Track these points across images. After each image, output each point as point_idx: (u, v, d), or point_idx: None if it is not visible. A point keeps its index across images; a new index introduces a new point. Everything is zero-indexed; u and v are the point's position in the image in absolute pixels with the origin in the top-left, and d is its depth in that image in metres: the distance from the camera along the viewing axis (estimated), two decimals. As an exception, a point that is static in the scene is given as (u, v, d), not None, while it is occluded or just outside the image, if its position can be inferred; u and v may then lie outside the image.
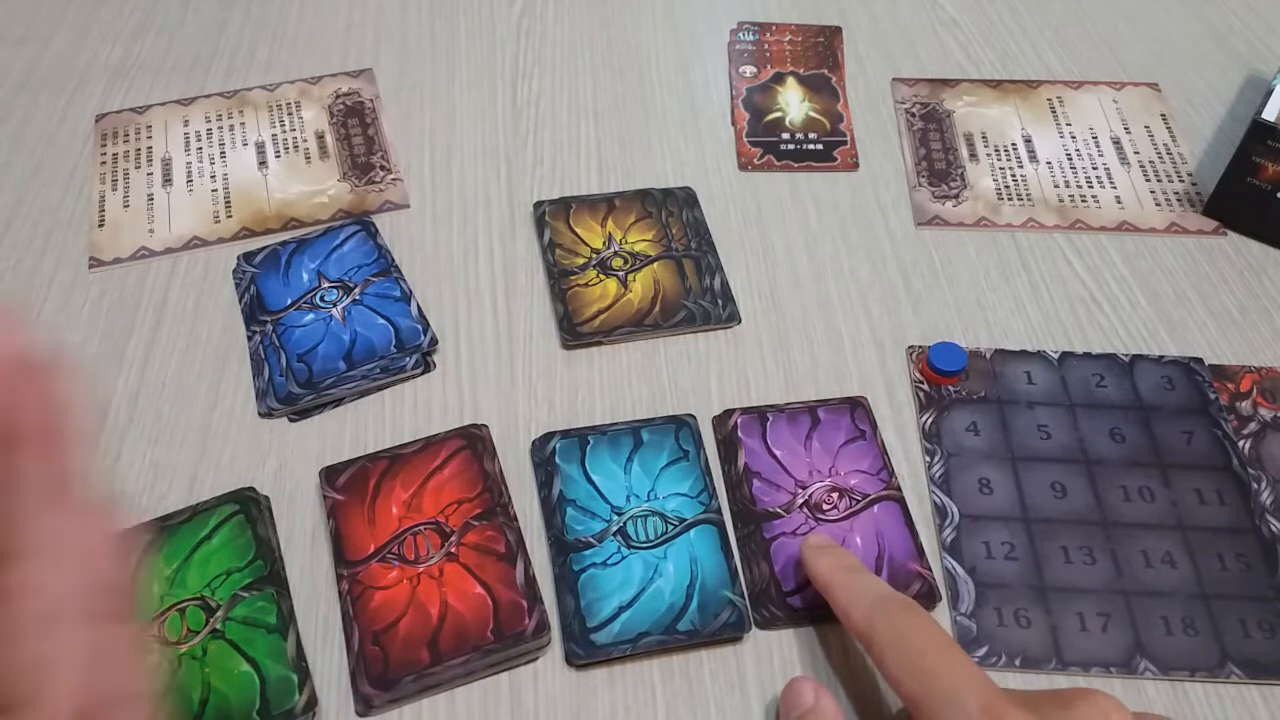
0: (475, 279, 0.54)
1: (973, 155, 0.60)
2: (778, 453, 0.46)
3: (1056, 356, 0.50)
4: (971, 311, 0.53)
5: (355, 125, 0.61)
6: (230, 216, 0.56)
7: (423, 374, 0.50)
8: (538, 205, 0.56)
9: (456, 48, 0.66)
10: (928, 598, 0.42)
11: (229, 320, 0.51)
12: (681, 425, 0.47)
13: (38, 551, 0.23)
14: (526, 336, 0.51)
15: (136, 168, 0.58)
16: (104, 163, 0.58)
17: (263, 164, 0.59)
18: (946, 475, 0.46)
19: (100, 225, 0.55)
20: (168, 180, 0.58)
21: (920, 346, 0.51)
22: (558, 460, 0.45)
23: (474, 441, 0.46)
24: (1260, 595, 0.43)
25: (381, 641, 0.40)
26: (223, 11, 0.67)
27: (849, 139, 0.61)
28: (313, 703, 0.39)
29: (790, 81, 0.64)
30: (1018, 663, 0.41)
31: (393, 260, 0.53)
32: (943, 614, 0.42)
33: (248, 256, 0.53)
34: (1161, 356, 0.50)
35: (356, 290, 0.51)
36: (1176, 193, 0.58)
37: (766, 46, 0.66)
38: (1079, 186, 0.59)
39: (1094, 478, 0.46)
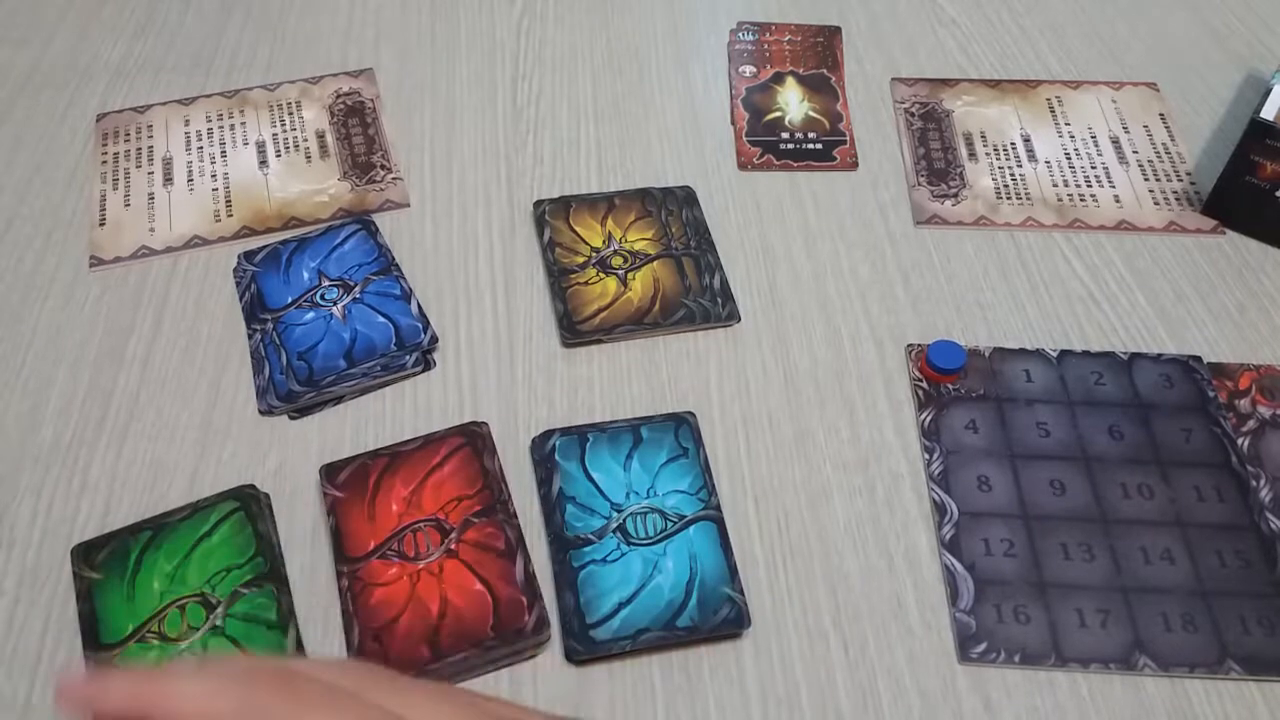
0: (475, 278, 0.54)
1: (972, 155, 0.60)
2: None
3: (1055, 354, 0.50)
4: (970, 310, 0.53)
5: (356, 125, 0.61)
6: (231, 215, 0.56)
7: (423, 372, 0.50)
8: (538, 204, 0.56)
9: (457, 48, 0.66)
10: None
11: (229, 318, 0.52)
12: (681, 423, 0.47)
13: None
14: (526, 335, 0.51)
15: (137, 167, 0.58)
16: (105, 162, 0.58)
17: (263, 163, 0.59)
18: (945, 473, 0.46)
19: (101, 224, 0.56)
20: (168, 179, 0.58)
21: (919, 345, 0.51)
22: (557, 457, 0.46)
23: (474, 439, 0.46)
24: (1259, 592, 0.43)
25: (381, 638, 0.40)
26: (223, 11, 0.68)
27: (848, 138, 0.61)
28: (313, 699, 0.39)
29: (790, 81, 0.64)
30: (1017, 659, 0.41)
31: (393, 259, 0.53)
32: (942, 611, 0.42)
33: (248, 255, 0.53)
34: (1160, 354, 0.51)
35: (357, 289, 0.52)
36: (1175, 192, 0.58)
37: (766, 46, 0.66)
38: (1078, 186, 0.59)
39: (1093, 475, 0.46)
